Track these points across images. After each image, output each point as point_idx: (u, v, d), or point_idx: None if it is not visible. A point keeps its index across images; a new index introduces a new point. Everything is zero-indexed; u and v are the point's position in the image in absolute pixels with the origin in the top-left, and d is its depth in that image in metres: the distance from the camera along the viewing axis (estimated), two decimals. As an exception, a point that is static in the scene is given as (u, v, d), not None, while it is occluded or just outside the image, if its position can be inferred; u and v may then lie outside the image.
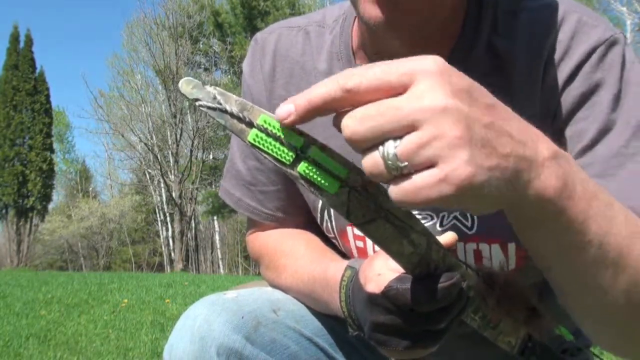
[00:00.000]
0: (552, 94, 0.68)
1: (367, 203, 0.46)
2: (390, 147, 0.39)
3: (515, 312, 0.55)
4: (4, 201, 23.16)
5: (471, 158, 0.39)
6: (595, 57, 0.67)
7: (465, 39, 0.71)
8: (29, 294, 6.43)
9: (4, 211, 23.52)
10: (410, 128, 0.39)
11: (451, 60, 0.70)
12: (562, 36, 0.68)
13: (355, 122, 0.40)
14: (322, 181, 0.45)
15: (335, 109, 0.42)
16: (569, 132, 0.67)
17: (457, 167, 0.38)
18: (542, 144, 0.45)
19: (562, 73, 0.68)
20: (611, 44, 0.67)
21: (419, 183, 0.39)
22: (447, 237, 0.60)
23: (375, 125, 0.39)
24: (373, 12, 0.61)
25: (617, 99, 0.66)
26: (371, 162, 0.40)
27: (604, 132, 0.65)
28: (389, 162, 0.39)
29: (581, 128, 0.66)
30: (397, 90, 0.40)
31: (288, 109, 0.42)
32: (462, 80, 0.42)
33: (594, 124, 0.66)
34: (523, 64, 0.69)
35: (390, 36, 0.65)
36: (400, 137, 0.39)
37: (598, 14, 0.75)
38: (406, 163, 0.39)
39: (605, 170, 0.64)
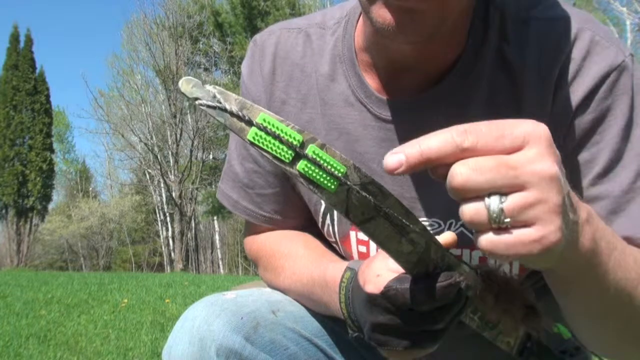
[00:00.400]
0: (563, 114, 0.69)
1: (366, 201, 0.46)
2: (496, 202, 0.42)
3: (513, 310, 0.55)
4: (4, 201, 23.16)
5: (561, 225, 0.43)
6: (608, 82, 0.67)
7: (473, 45, 0.71)
8: (29, 294, 6.43)
9: (4, 211, 23.52)
10: (519, 188, 0.42)
11: (459, 66, 0.70)
12: (575, 55, 0.68)
13: (469, 172, 0.42)
14: (321, 179, 0.45)
15: (445, 163, 0.44)
16: (581, 158, 0.69)
17: (551, 232, 0.43)
18: (582, 209, 0.50)
19: (575, 97, 0.68)
20: (623, 69, 0.67)
21: (515, 240, 0.43)
22: (446, 237, 0.60)
23: (488, 179, 0.42)
24: (386, 17, 0.61)
25: (627, 127, 0.67)
26: (474, 211, 0.43)
27: (615, 160, 0.68)
28: (494, 215, 0.42)
29: (592, 155, 0.68)
30: (509, 151, 0.43)
31: (399, 159, 0.44)
32: (556, 150, 0.45)
33: (604, 151, 0.68)
34: (534, 79, 0.69)
35: (400, 41, 0.64)
36: (505, 194, 0.42)
37: (599, 14, 0.75)
38: (509, 219, 0.42)
39: (618, 207, 0.67)
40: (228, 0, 23.27)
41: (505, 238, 0.43)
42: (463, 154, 0.43)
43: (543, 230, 0.43)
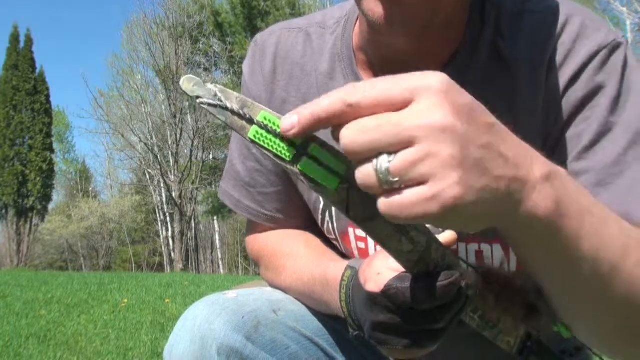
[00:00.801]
0: (554, 96, 0.68)
1: (367, 200, 0.46)
2: (384, 162, 0.40)
3: (514, 309, 0.55)
4: (4, 201, 23.16)
5: (462, 179, 0.39)
6: (597, 60, 0.67)
7: (469, 40, 0.71)
8: (29, 294, 6.43)
9: (4, 211, 23.52)
10: (406, 144, 0.40)
11: (455, 62, 0.70)
12: (565, 39, 0.68)
13: (353, 134, 0.41)
14: (322, 178, 0.45)
15: (337, 122, 0.42)
16: (569, 134, 0.68)
17: (446, 187, 0.39)
18: (536, 165, 0.45)
19: (564, 76, 0.68)
20: (614, 47, 0.67)
21: (406, 200, 0.40)
22: (446, 236, 0.60)
23: (372, 139, 0.40)
24: (376, 8, 0.61)
25: (616, 102, 0.66)
26: (364, 173, 0.41)
27: (602, 134, 0.65)
28: (381, 175, 0.40)
29: (580, 130, 0.67)
30: (398, 106, 0.41)
31: (291, 121, 0.43)
32: (464, 98, 0.42)
33: (592, 126, 0.66)
34: (527, 68, 0.69)
35: (393, 33, 0.64)
36: (395, 152, 0.40)
37: (599, 14, 0.75)
38: (397, 179, 0.40)
39: (604, 179, 0.64)
40: (228, 0, 23.28)
41: (397, 199, 0.40)
42: (353, 111, 0.41)
43: (437, 187, 0.39)
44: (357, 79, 0.76)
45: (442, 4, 0.62)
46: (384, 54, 0.73)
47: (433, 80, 0.41)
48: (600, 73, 0.67)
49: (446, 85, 0.41)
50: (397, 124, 0.40)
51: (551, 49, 0.68)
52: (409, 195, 0.40)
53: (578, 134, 0.67)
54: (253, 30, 21.56)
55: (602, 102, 0.66)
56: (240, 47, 21.62)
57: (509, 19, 0.71)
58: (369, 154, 0.41)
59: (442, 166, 0.39)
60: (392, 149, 0.40)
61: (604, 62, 0.67)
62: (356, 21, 0.79)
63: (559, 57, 0.68)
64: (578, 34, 0.68)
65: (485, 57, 0.71)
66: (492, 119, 0.43)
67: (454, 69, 0.71)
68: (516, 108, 0.69)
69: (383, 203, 0.41)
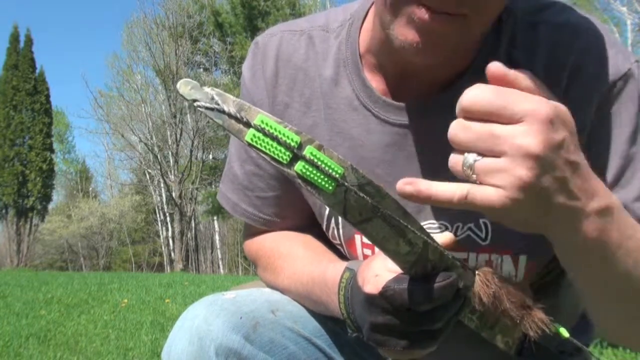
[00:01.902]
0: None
1: (364, 202, 0.46)
2: (472, 158, 0.49)
3: (511, 310, 0.55)
4: (4, 201, 23.16)
5: (520, 199, 0.48)
6: (615, 90, 0.67)
7: (486, 52, 0.71)
8: (29, 294, 6.43)
9: (4, 211, 23.52)
10: (496, 154, 0.48)
11: (471, 71, 0.70)
12: (581, 62, 0.68)
13: (458, 129, 0.50)
14: (319, 180, 0.45)
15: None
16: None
17: (504, 197, 0.48)
18: (596, 199, 0.53)
19: (580, 103, 0.67)
20: (629, 77, 0.67)
21: (475, 190, 0.49)
22: (444, 237, 0.60)
23: (471, 140, 0.49)
24: (409, 35, 0.61)
25: (635, 133, 0.67)
26: (454, 160, 0.50)
27: (624, 168, 0.68)
28: (465, 168, 0.49)
29: (602, 163, 0.67)
30: (505, 121, 0.48)
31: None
32: (560, 134, 0.49)
33: (614, 158, 0.68)
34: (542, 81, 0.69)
35: (418, 61, 0.64)
36: (484, 156, 0.49)
37: (599, 14, 0.75)
38: (475, 176, 0.49)
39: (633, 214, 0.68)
40: (228, 0, 23.26)
41: (471, 189, 0.49)
42: (465, 115, 0.50)
43: (497, 194, 0.48)
44: (364, 84, 0.75)
45: (471, 32, 0.62)
46: (400, 63, 0.72)
47: (543, 110, 0.48)
48: (616, 104, 0.67)
49: (552, 116, 0.48)
50: (496, 137, 0.48)
51: (568, 70, 0.68)
52: (477, 189, 0.48)
53: (599, 165, 0.67)
54: (253, 30, 21.55)
55: (620, 133, 0.67)
56: (241, 47, 21.61)
57: (523, 29, 0.70)
58: (465, 149, 0.49)
59: (511, 183, 0.47)
60: (485, 154, 0.48)
61: (620, 93, 0.67)
62: (362, 24, 0.78)
63: (575, 81, 0.68)
64: (596, 57, 0.68)
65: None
66: (577, 157, 0.51)
67: (469, 79, 0.71)
68: None
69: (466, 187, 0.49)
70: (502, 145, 0.47)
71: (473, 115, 0.49)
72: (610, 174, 0.67)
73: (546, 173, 0.48)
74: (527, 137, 0.47)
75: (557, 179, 0.49)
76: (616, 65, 0.67)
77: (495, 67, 0.51)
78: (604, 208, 0.53)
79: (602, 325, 0.69)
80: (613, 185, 0.67)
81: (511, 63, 0.70)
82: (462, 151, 0.50)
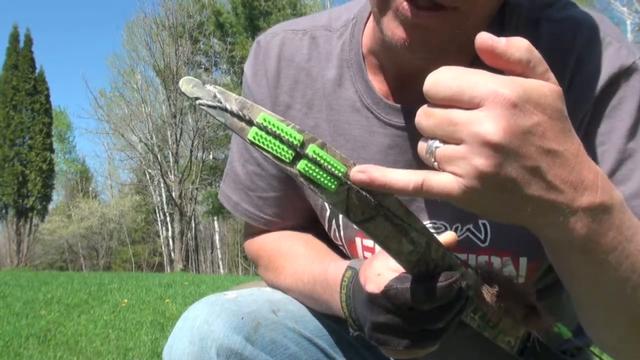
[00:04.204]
0: (572, 114, 0.68)
1: (366, 201, 0.46)
2: (433, 145, 0.46)
3: (514, 310, 0.55)
4: (4, 201, 23.16)
5: (477, 189, 0.44)
6: (617, 84, 0.66)
7: None
8: (29, 294, 6.43)
9: (4, 211, 23.52)
10: (456, 141, 0.45)
11: None
12: (585, 56, 0.67)
13: (421, 117, 0.47)
14: (322, 179, 0.45)
15: None
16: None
17: (457, 185, 0.45)
18: (587, 194, 0.47)
19: (583, 96, 0.67)
20: (633, 71, 0.67)
21: (433, 177, 0.46)
22: (446, 237, 0.60)
23: (431, 127, 0.46)
24: (397, 32, 0.61)
25: (635, 127, 0.66)
26: (420, 147, 0.48)
27: (620, 162, 0.66)
28: (427, 154, 0.47)
29: (599, 155, 0.66)
30: (466, 106, 0.44)
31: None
32: (527, 120, 0.44)
33: (611, 152, 0.66)
34: None
35: (409, 57, 0.64)
36: (445, 143, 0.45)
37: (601, 13, 0.74)
38: (436, 163, 0.46)
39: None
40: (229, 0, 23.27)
41: (430, 175, 0.46)
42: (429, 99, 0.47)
43: (455, 183, 0.45)
44: (367, 85, 0.75)
45: (463, 28, 0.61)
46: (400, 65, 0.72)
47: (505, 92, 0.43)
48: (617, 97, 0.66)
49: (516, 100, 0.43)
50: (454, 124, 0.44)
51: (571, 65, 0.67)
52: (436, 176, 0.46)
53: (598, 158, 0.66)
54: (254, 30, 21.55)
55: (620, 127, 0.66)
56: (241, 47, 21.60)
57: (526, 26, 0.70)
58: (429, 135, 0.47)
59: (467, 172, 0.44)
60: (446, 140, 0.45)
61: (622, 86, 0.66)
62: (365, 24, 0.77)
63: (578, 75, 0.67)
64: (599, 51, 0.67)
65: None
66: (556, 145, 0.45)
67: None
68: None
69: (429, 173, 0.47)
70: (460, 133, 0.44)
71: (434, 101, 0.46)
72: (606, 168, 0.65)
73: (511, 162, 0.43)
74: (485, 123, 0.43)
75: (527, 169, 0.44)
76: (619, 58, 0.67)
77: (482, 38, 0.45)
78: (597, 205, 0.48)
79: (592, 334, 0.64)
80: (614, 182, 0.65)
81: None
82: (426, 138, 0.47)
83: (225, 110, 0.44)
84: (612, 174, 0.66)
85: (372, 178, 0.46)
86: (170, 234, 23.38)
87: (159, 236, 25.59)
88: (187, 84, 0.45)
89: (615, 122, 0.66)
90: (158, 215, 24.97)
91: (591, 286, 0.54)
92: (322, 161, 0.45)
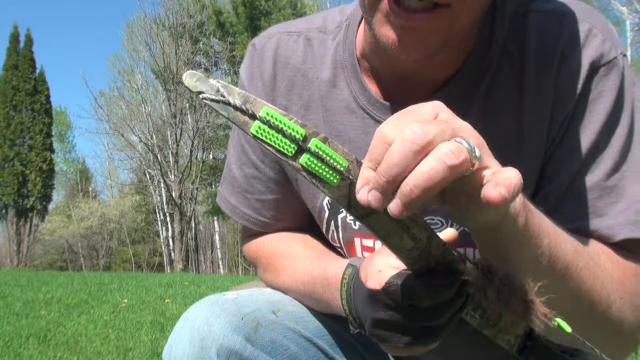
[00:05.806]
0: (559, 99, 0.69)
1: None
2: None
3: (513, 305, 0.55)
4: (4, 201, 23.16)
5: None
6: (597, 77, 0.67)
7: (479, 47, 0.71)
8: (29, 294, 6.43)
9: (4, 211, 23.52)
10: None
11: (464, 69, 0.70)
12: (570, 46, 0.68)
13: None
14: (324, 173, 0.45)
15: None
16: (559, 148, 0.69)
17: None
18: None
19: (564, 86, 0.68)
20: (613, 65, 0.67)
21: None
22: (447, 233, 0.60)
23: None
24: (389, 35, 0.61)
25: (608, 124, 0.67)
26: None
27: (589, 155, 0.68)
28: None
29: (569, 148, 0.68)
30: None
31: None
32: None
33: (585, 145, 0.68)
34: (533, 70, 0.69)
35: (402, 59, 0.64)
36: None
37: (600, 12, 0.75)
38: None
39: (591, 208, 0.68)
40: (230, -1, 23.29)
41: None
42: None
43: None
44: (361, 86, 0.75)
45: (454, 30, 0.61)
46: (392, 66, 0.72)
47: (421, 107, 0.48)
48: (596, 91, 0.67)
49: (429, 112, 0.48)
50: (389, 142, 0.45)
51: (558, 54, 0.68)
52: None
53: (565, 150, 0.69)
54: (255, 30, 21.54)
55: (595, 120, 0.67)
56: (242, 47, 21.59)
57: (514, 19, 0.70)
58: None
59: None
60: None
61: (601, 80, 0.67)
62: (358, 26, 0.77)
63: (564, 65, 0.68)
64: (583, 42, 0.68)
65: (495, 60, 0.70)
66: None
67: (464, 77, 0.71)
68: (524, 102, 0.69)
69: None
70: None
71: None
72: (576, 161, 0.68)
73: None
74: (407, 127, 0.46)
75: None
76: (602, 51, 0.67)
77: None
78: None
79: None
80: (577, 173, 0.68)
81: (505, 54, 0.70)
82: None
83: (229, 104, 0.44)
84: (581, 166, 0.68)
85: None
86: (170, 234, 23.37)
87: (159, 236, 25.59)
88: (190, 78, 0.45)
89: (592, 116, 0.67)
90: (158, 215, 24.97)
91: (530, 269, 0.56)
92: (324, 155, 0.45)
